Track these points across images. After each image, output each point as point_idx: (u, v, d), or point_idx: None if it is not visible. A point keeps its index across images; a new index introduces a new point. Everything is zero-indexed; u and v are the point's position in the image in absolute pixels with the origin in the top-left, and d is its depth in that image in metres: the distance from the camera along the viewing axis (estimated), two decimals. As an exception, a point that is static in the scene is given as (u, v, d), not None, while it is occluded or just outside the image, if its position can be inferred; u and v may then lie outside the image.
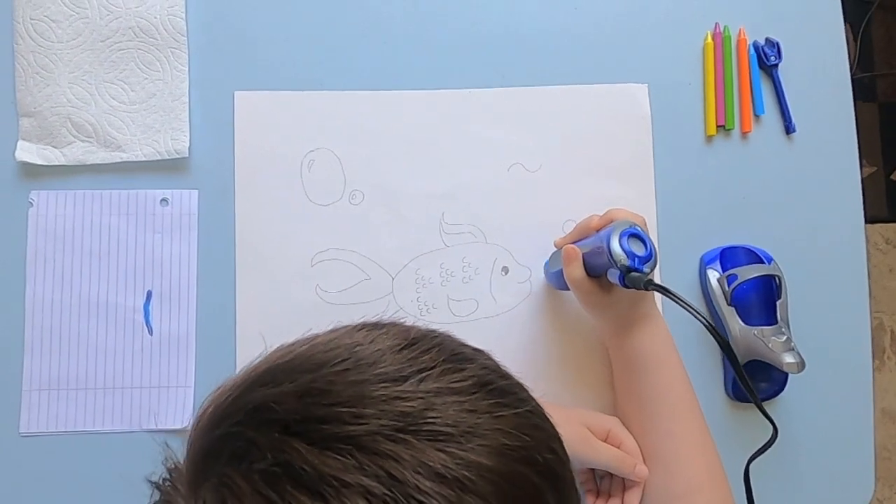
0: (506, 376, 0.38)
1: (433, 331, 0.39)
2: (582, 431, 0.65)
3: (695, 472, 0.64)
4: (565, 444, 0.38)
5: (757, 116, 0.78)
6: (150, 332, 0.72)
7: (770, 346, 0.69)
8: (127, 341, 0.72)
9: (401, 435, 0.32)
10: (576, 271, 0.65)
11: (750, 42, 0.78)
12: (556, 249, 0.72)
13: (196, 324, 0.73)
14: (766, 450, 0.61)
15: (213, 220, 0.74)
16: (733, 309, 0.72)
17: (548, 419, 0.38)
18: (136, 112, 0.74)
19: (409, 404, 0.34)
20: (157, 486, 0.37)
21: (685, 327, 0.69)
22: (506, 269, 0.75)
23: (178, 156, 0.73)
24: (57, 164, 0.73)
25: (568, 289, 0.67)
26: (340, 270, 0.74)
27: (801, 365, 0.67)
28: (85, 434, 0.71)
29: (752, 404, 0.73)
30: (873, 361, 0.79)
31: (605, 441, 0.66)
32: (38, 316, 0.72)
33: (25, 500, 0.70)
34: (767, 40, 0.79)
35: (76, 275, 0.72)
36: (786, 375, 0.73)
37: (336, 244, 0.74)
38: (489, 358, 0.39)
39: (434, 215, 0.75)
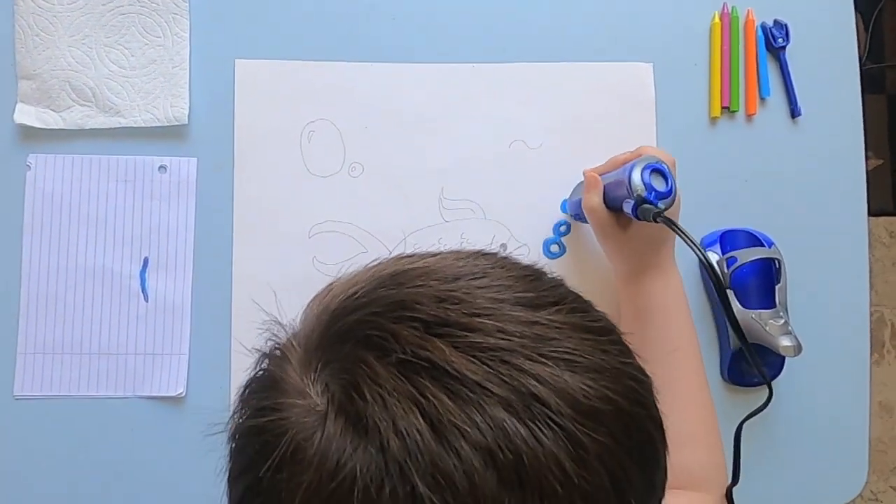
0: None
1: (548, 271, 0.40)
2: None
3: (687, 425, 0.64)
4: None
5: (762, 99, 0.77)
6: (146, 298, 0.72)
7: (767, 329, 0.68)
8: (122, 307, 0.72)
9: (540, 357, 0.33)
10: (593, 199, 0.65)
11: (758, 23, 0.77)
12: (582, 180, 0.71)
13: (192, 292, 0.72)
14: (760, 411, 0.60)
15: (211, 189, 0.73)
16: (731, 292, 0.71)
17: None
18: (135, 77, 0.73)
19: (547, 330, 0.34)
20: (264, 354, 0.37)
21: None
22: (504, 246, 0.75)
23: (177, 123, 0.73)
24: (55, 127, 0.72)
25: (585, 220, 0.68)
26: (338, 243, 0.74)
27: (798, 348, 0.67)
28: (78, 399, 0.71)
29: (747, 387, 0.74)
30: (872, 356, 0.78)
31: None
32: (34, 279, 0.72)
33: (18, 462, 0.70)
34: (776, 22, 0.78)
35: (73, 239, 0.72)
36: (782, 360, 0.73)
37: (334, 216, 0.74)
38: None
39: (433, 190, 0.75)
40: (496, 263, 0.38)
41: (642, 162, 0.61)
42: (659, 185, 0.61)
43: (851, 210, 0.78)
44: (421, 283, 0.36)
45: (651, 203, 0.60)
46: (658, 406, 0.37)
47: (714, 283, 0.56)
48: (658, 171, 0.61)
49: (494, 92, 0.76)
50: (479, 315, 0.34)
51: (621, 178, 0.62)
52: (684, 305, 0.67)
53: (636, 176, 0.60)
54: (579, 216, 0.71)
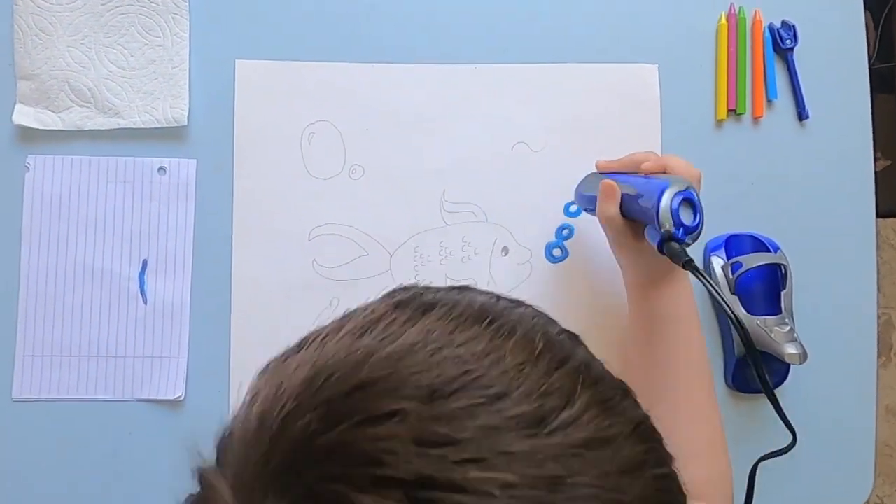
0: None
1: (550, 330, 0.32)
2: None
3: (693, 439, 0.62)
4: None
5: (769, 101, 0.76)
6: (145, 301, 0.72)
7: (773, 336, 0.67)
8: (121, 310, 0.71)
9: None
10: (611, 209, 0.62)
11: (765, 24, 0.76)
12: (593, 171, 0.69)
13: (191, 294, 0.72)
14: (782, 454, 0.58)
15: (210, 191, 0.73)
16: (736, 298, 0.71)
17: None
18: (135, 78, 0.73)
19: (558, 466, 0.27)
20: (190, 495, 0.31)
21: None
22: (506, 250, 0.74)
23: (176, 124, 0.72)
24: (54, 128, 0.72)
25: (593, 212, 0.66)
26: (338, 245, 0.73)
27: (803, 356, 0.66)
28: (77, 401, 0.70)
29: (750, 394, 0.73)
30: (880, 358, 0.77)
31: None
32: (32, 281, 0.71)
33: (16, 464, 0.70)
34: (784, 23, 0.76)
35: (72, 241, 0.72)
36: (787, 367, 0.72)
37: (334, 219, 0.73)
38: (608, 371, 0.32)
39: (435, 193, 0.74)
40: (483, 347, 0.29)
41: (675, 186, 0.57)
42: (687, 217, 0.57)
43: (859, 213, 0.77)
44: (392, 405, 0.27)
45: (679, 240, 0.56)
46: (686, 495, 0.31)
47: (744, 343, 0.54)
48: (689, 200, 0.57)
49: (497, 93, 0.75)
50: (472, 462, 0.26)
51: (644, 195, 0.58)
52: (695, 315, 0.66)
53: (664, 205, 0.56)
54: (589, 210, 0.69)
